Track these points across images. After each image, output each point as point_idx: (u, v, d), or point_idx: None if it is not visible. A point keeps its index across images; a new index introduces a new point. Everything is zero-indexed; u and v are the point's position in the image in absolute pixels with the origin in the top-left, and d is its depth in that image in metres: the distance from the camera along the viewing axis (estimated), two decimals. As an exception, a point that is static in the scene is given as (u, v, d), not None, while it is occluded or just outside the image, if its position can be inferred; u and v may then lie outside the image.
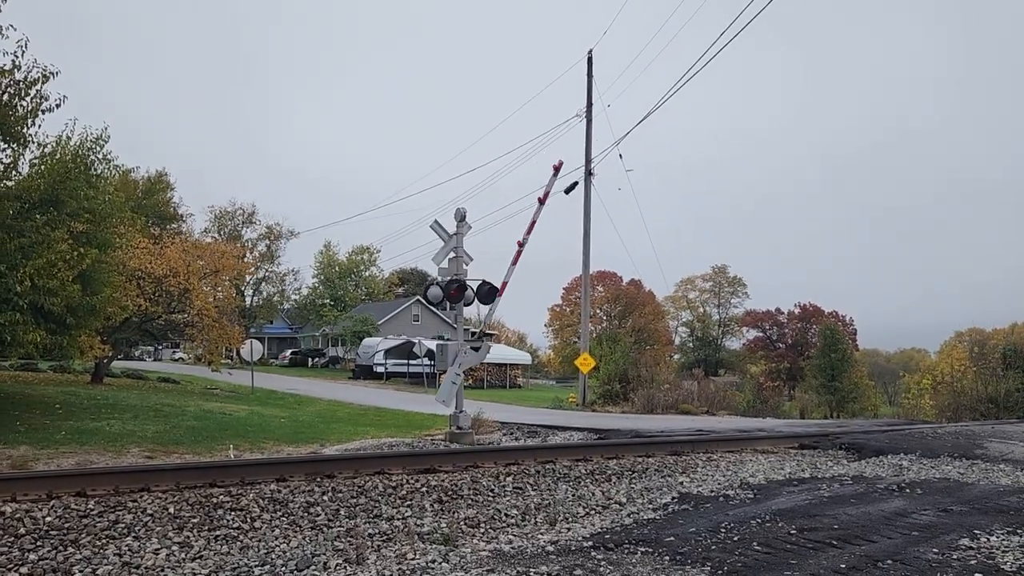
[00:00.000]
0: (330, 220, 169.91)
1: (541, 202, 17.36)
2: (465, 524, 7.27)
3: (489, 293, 15.75)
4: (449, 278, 15.36)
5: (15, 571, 5.38)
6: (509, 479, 8.92)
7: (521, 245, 16.61)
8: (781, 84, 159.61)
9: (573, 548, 6.59)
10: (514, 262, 16.45)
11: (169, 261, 27.09)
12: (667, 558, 6.16)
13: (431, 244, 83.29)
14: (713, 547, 6.43)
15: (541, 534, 7.18)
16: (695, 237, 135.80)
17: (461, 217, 15.59)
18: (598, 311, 79.16)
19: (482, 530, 7.21)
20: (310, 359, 69.50)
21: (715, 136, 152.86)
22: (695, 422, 21.82)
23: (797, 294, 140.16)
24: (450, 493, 8.16)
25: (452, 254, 15.52)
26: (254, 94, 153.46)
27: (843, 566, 5.66)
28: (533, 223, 16.96)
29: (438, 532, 6.95)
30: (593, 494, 8.73)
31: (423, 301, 65.96)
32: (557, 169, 17.46)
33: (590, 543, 6.75)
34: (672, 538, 6.77)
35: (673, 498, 8.74)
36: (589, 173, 32.56)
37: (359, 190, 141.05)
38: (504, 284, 16.43)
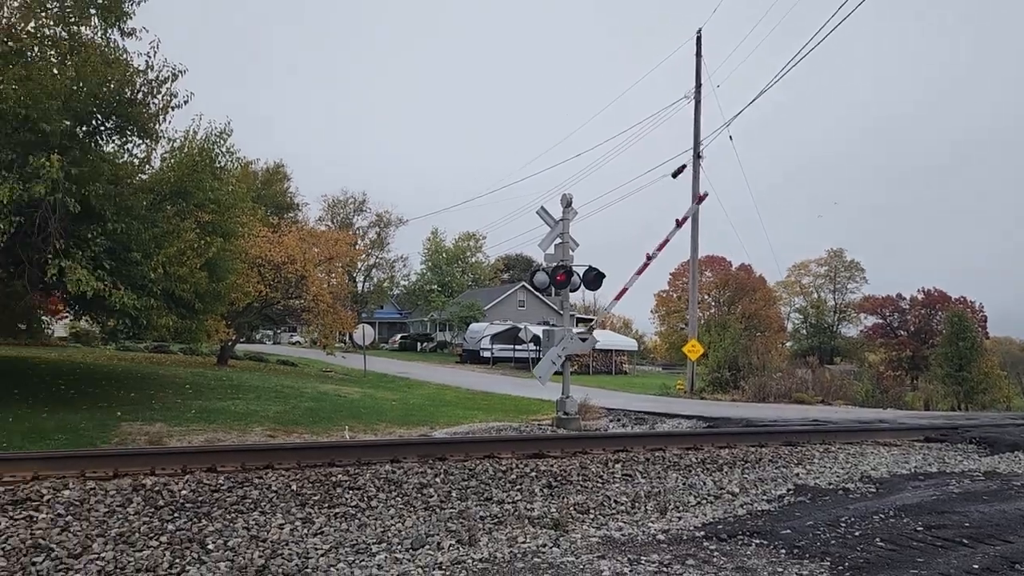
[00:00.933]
0: (437, 208, 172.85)
1: (678, 224, 17.44)
2: (574, 510, 7.29)
3: (596, 279, 15.66)
4: (555, 264, 15.36)
5: (156, 539, 5.76)
6: (618, 466, 8.87)
7: (649, 258, 16.55)
8: (912, 63, 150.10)
9: (684, 537, 6.51)
10: (639, 272, 16.36)
11: (287, 249, 28.33)
12: (783, 551, 5.99)
13: (536, 230, 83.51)
14: (832, 542, 6.21)
15: (651, 522, 7.11)
16: (810, 220, 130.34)
17: (567, 203, 15.56)
18: (706, 297, 77.48)
19: (591, 516, 7.21)
20: (419, 343, 71.11)
21: (836, 117, 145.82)
22: (810, 412, 21.07)
23: (920, 279, 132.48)
24: (559, 478, 8.19)
25: (558, 240, 15.52)
26: (362, 81, 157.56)
27: (976, 567, 5.35)
28: (666, 241, 17.06)
29: (548, 517, 6.99)
30: (704, 483, 8.58)
31: (528, 287, 66.41)
32: (701, 199, 17.39)
33: (702, 533, 6.64)
34: (788, 531, 6.58)
35: (788, 490, 8.49)
36: (698, 156, 31.83)
37: (466, 177, 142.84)
38: (624, 290, 16.53)
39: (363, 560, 5.77)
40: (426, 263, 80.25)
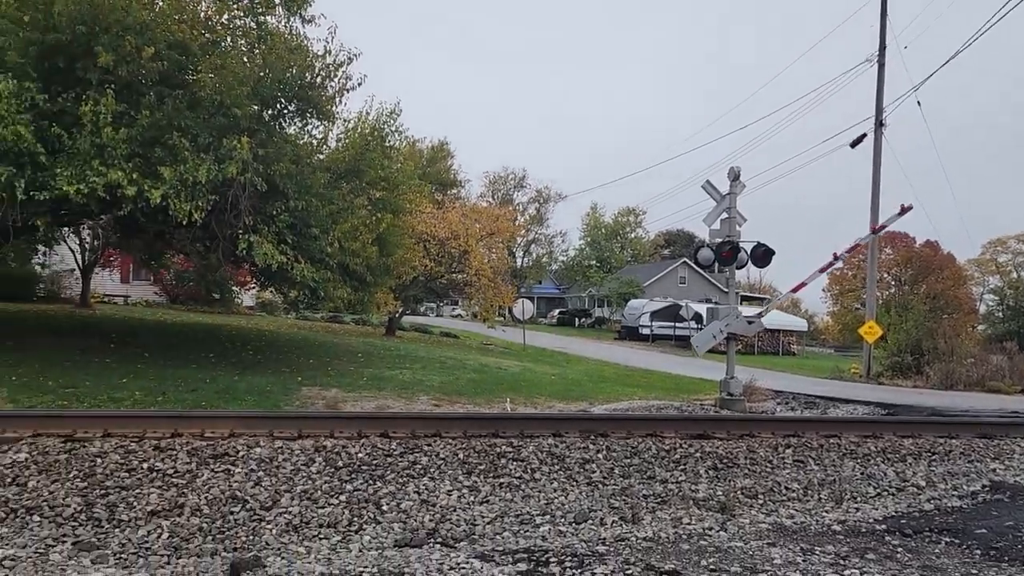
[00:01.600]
0: (597, 183, 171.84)
1: (873, 231, 16.73)
2: (742, 494, 7.04)
3: (764, 255, 14.96)
4: (721, 240, 14.84)
5: (336, 498, 6.13)
6: (788, 451, 8.47)
7: (836, 258, 15.83)
8: None
9: (863, 530, 6.13)
10: (821, 270, 15.67)
11: (450, 225, 29.21)
12: (978, 552, 5.51)
13: (699, 205, 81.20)
14: (1037, 546, 5.63)
15: (826, 512, 6.76)
16: (1010, 192, 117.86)
17: (734, 176, 14.95)
18: (885, 275, 72.38)
19: (760, 502, 6.95)
20: (576, 319, 71.29)
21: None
22: (1007, 402, 19.19)
23: None
24: (725, 461, 7.93)
25: (724, 215, 14.96)
26: (527, 56, 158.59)
27: None
28: (857, 246, 16.29)
29: (714, 499, 6.80)
30: (885, 474, 8.03)
31: (690, 263, 64.85)
32: (904, 209, 16.29)
33: (883, 527, 6.23)
34: (984, 531, 6.03)
35: (984, 486, 7.79)
36: (880, 124, 29.59)
37: (627, 152, 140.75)
38: (802, 284, 15.89)
39: (527, 531, 5.86)
40: (585, 238, 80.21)
